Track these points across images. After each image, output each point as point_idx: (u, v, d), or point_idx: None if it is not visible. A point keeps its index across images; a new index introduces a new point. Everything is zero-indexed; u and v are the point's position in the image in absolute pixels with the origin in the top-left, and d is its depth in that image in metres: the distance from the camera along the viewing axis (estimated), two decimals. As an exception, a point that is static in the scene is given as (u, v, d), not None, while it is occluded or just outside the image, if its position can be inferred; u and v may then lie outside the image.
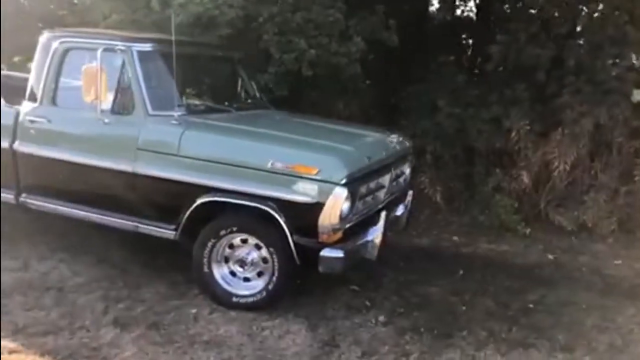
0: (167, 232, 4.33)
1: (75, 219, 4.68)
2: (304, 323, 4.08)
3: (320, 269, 3.94)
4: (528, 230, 6.13)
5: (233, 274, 4.29)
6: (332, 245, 3.94)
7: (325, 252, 3.89)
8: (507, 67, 7.47)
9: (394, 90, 8.38)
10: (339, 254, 3.91)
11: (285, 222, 3.94)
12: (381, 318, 4.19)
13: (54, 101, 4.66)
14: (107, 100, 4.41)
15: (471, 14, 9.05)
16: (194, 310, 4.20)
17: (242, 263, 4.24)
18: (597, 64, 7.10)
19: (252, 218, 4.12)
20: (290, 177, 3.94)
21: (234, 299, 4.22)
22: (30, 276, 4.56)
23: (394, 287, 4.70)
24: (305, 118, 5.36)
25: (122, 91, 4.44)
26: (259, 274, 4.24)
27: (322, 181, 3.88)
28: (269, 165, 3.98)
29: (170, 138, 4.24)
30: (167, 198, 4.29)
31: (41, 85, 4.67)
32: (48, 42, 4.71)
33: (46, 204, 4.72)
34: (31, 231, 5.32)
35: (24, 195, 4.79)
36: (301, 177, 3.92)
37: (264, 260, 4.20)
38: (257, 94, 5.68)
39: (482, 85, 7.84)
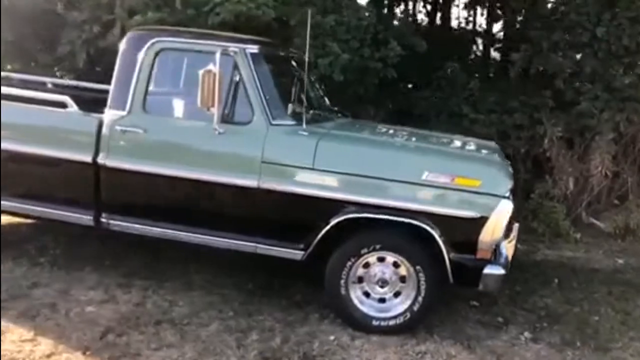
0: (294, 253, 3.95)
1: (167, 240, 4.16)
2: (455, 344, 3.85)
3: (481, 287, 3.75)
4: (579, 235, 6.23)
5: (367, 294, 3.98)
6: (489, 261, 3.74)
7: (490, 270, 3.70)
8: (527, 74, 7.59)
9: (404, 95, 8.29)
10: (501, 270, 3.73)
11: (441, 238, 3.70)
12: (526, 334, 4.05)
13: (147, 109, 4.10)
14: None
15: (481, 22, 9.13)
16: (332, 337, 3.85)
17: (380, 283, 3.93)
18: (611, 72, 7.39)
19: (398, 235, 3.84)
20: (450, 190, 3.71)
21: (374, 322, 3.91)
22: (127, 309, 3.99)
23: (507, 299, 4.58)
24: (391, 126, 5.11)
25: (234, 98, 3.99)
26: (396, 295, 3.96)
27: (487, 194, 3.68)
28: (424, 177, 3.72)
29: (304, 150, 3.87)
30: (297, 215, 3.91)
31: (131, 91, 4.10)
32: (137, 42, 4.15)
33: (136, 226, 4.15)
34: (97, 255, 4.74)
35: (104, 215, 4.19)
36: (462, 190, 3.70)
37: (402, 279, 3.93)
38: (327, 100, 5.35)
39: (495, 91, 7.92)
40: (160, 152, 4.06)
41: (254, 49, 4.07)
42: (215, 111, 3.82)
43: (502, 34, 8.82)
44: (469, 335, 4.00)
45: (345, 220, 3.79)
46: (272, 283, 4.58)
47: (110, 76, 6.90)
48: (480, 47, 9.19)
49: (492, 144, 4.82)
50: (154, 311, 4.00)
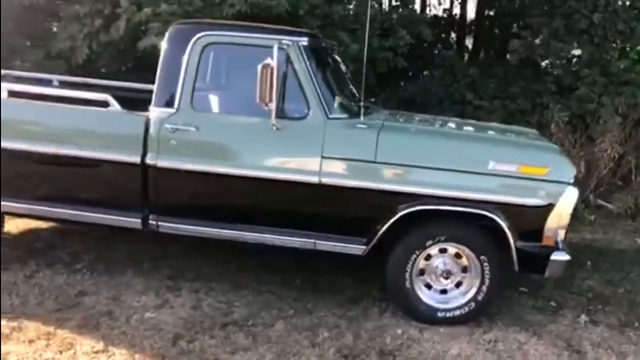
0: (355, 248, 3.90)
1: (220, 240, 4.05)
2: (521, 331, 3.89)
3: (547, 273, 3.79)
4: (593, 217, 6.37)
5: (428, 286, 3.97)
6: (555, 248, 3.78)
7: (557, 256, 3.73)
8: (524, 60, 7.70)
9: (403, 82, 8.31)
10: (566, 256, 3.77)
11: (507, 227, 3.72)
12: (583, 317, 4.12)
13: (197, 106, 3.96)
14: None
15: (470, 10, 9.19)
16: (399, 331, 3.83)
17: (444, 274, 3.93)
18: (606, 57, 7.59)
19: (462, 225, 3.84)
20: (516, 178, 3.72)
21: (439, 314, 3.91)
22: (186, 313, 3.86)
23: (552, 284, 4.63)
24: (431, 116, 5.10)
25: (288, 92, 3.89)
26: (457, 285, 3.97)
27: (553, 182, 3.71)
28: (490, 167, 3.72)
29: (365, 143, 3.81)
30: (359, 210, 3.85)
31: (178, 88, 3.95)
32: (182, 37, 3.99)
33: (187, 227, 4.01)
34: (131, 258, 4.61)
35: (152, 217, 4.04)
36: (529, 179, 3.72)
37: (463, 269, 3.94)
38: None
39: (493, 78, 8.02)
40: (213, 150, 3.93)
41: (305, 41, 3.97)
42: (273, 106, 3.72)
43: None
44: (530, 321, 4.04)
45: (410, 212, 3.75)
46: (316, 279, 4.51)
47: (113, 72, 6.79)
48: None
49: (535, 131, 4.87)
50: (214, 314, 3.89)
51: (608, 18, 7.43)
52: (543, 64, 7.95)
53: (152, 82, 4.06)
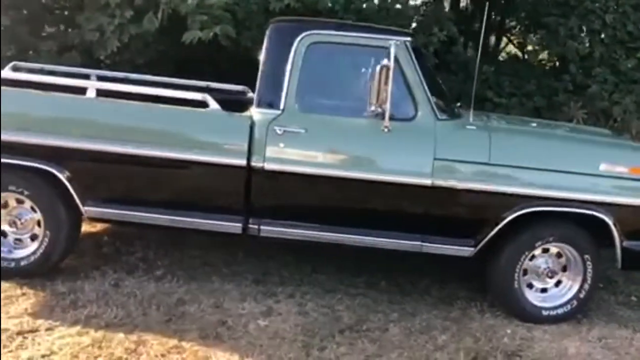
0: (463, 250, 3.91)
1: (326, 243, 3.98)
2: (620, 327, 4.01)
3: (647, 270, 3.92)
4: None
5: (530, 286, 4.04)
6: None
7: (661, 254, 3.86)
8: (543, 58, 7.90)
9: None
10: (669, 253, 3.91)
11: (614, 227, 3.82)
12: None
13: (303, 107, 3.85)
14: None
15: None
16: (508, 331, 3.88)
17: (549, 274, 4.00)
18: (614, 56, 7.89)
19: (569, 225, 3.92)
20: (626, 180, 3.83)
21: (544, 313, 3.98)
22: (298, 320, 3.76)
23: (623, 278, 4.76)
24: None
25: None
26: (557, 284, 4.05)
27: (660, 182, 3.84)
28: (601, 169, 3.81)
29: (479, 145, 3.82)
30: (471, 211, 3.87)
31: (284, 88, 3.83)
32: (288, 35, 3.87)
33: (290, 230, 3.91)
34: (206, 263, 4.53)
35: (253, 221, 3.91)
36: (638, 180, 3.83)
37: (563, 268, 4.03)
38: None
39: (507, 75, 8.18)
40: (323, 152, 3.83)
41: (409, 40, 3.93)
42: (387, 108, 3.67)
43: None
44: (623, 317, 4.18)
45: (522, 214, 3.80)
46: (398, 280, 4.50)
47: (138, 65, 6.49)
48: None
49: (609, 131, 5.01)
50: (324, 319, 3.81)
51: (618, 19, 7.70)
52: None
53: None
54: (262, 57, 3.89)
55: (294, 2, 5.74)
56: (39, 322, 3.48)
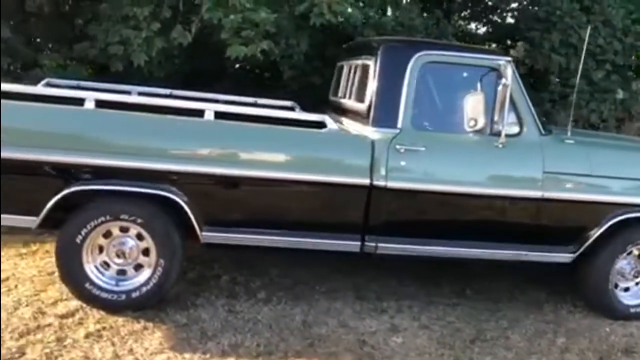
0: (564, 256, 4.17)
1: (439, 257, 4.11)
2: None
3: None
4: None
5: (615, 286, 4.37)
6: None
7: None
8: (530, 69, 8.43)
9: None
10: None
11: (692, 228, 4.24)
12: None
13: (419, 125, 3.95)
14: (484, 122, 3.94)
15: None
16: (607, 329, 4.18)
17: (635, 273, 4.35)
18: (586, 68, 8.57)
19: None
20: None
21: (632, 310, 4.32)
22: (426, 334, 3.85)
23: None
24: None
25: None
26: (637, 283, 4.42)
27: None
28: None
29: (580, 158, 4.12)
30: (573, 220, 4.13)
31: (401, 107, 3.90)
32: (402, 55, 3.95)
33: (407, 246, 3.99)
34: (300, 279, 4.51)
35: (369, 239, 3.95)
36: None
37: (639, 269, 4.41)
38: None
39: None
40: (442, 169, 3.95)
41: (512, 60, 4.13)
42: (504, 124, 3.85)
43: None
44: None
45: (619, 220, 4.11)
46: (472, 286, 4.68)
47: (158, 80, 6.25)
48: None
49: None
50: (448, 332, 3.91)
51: (591, 34, 8.36)
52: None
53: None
54: (375, 76, 3.94)
55: (332, 17, 5.77)
56: (187, 356, 3.34)
